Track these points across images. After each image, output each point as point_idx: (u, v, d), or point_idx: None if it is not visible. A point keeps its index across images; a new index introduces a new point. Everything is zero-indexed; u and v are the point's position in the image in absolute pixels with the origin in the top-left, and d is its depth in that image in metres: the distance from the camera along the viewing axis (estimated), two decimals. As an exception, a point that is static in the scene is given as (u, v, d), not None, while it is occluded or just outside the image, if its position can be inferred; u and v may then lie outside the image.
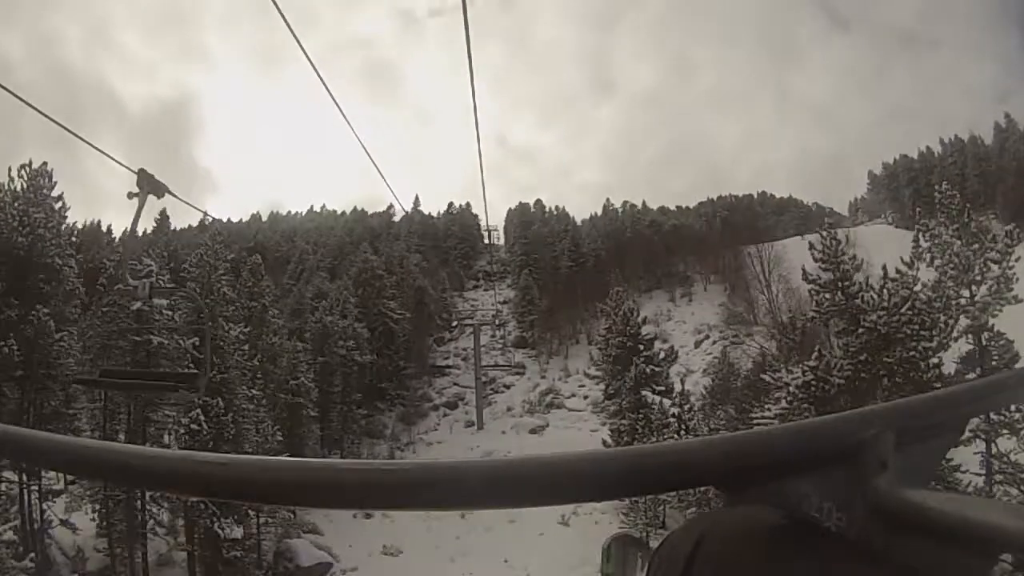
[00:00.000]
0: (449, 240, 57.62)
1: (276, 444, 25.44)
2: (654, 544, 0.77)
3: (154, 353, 24.50)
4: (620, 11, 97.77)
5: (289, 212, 63.04)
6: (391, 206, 58.17)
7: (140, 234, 57.92)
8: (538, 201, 60.65)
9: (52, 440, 0.57)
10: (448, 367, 46.28)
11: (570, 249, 51.85)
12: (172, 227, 56.45)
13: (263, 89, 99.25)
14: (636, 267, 50.46)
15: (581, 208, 74.34)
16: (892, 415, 0.53)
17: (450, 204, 61.07)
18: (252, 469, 0.51)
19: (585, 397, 41.86)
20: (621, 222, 56.73)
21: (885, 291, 17.62)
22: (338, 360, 34.94)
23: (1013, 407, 16.16)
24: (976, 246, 19.38)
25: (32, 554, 20.99)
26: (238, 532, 22.42)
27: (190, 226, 57.61)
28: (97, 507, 24.21)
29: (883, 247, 38.99)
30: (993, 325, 19.24)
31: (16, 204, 25.23)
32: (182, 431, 22.51)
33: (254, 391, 25.22)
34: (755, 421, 16.85)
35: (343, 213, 61.29)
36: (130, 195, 7.67)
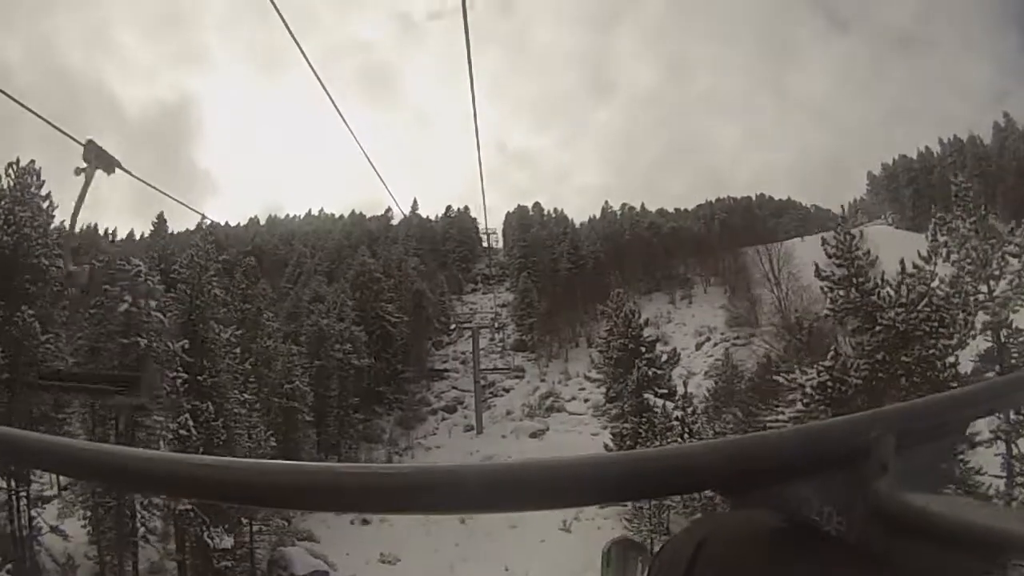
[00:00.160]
0: (448, 243, 56.59)
1: (269, 450, 24.35)
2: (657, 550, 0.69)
3: (144, 356, 23.43)
4: (618, 13, 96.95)
5: (287, 215, 62.02)
6: (389, 209, 57.22)
7: (138, 237, 56.88)
8: (536, 204, 59.76)
9: (51, 442, 0.56)
10: (447, 371, 45.18)
11: (569, 252, 50.82)
12: (170, 231, 55.38)
13: (262, 92, 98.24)
14: (635, 269, 49.45)
15: (580, 211, 73.59)
16: (893, 418, 0.53)
17: (448, 207, 60.14)
18: (250, 472, 0.51)
19: (586, 400, 40.77)
20: (620, 224, 55.75)
21: (904, 287, 16.62)
22: (335, 364, 33.85)
23: None
24: (994, 240, 18.38)
25: (9, 565, 19.86)
26: (228, 541, 21.30)
27: (187, 230, 56.68)
28: (88, 514, 23.28)
29: (883, 248, 38.28)
30: (1012, 321, 18.24)
31: (1, 202, 24.19)
32: (170, 436, 21.43)
33: (246, 395, 24.08)
34: (768, 424, 15.76)
35: (341, 216, 60.35)
36: (77, 171, 6.90)
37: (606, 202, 59.05)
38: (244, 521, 23.93)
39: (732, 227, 56.70)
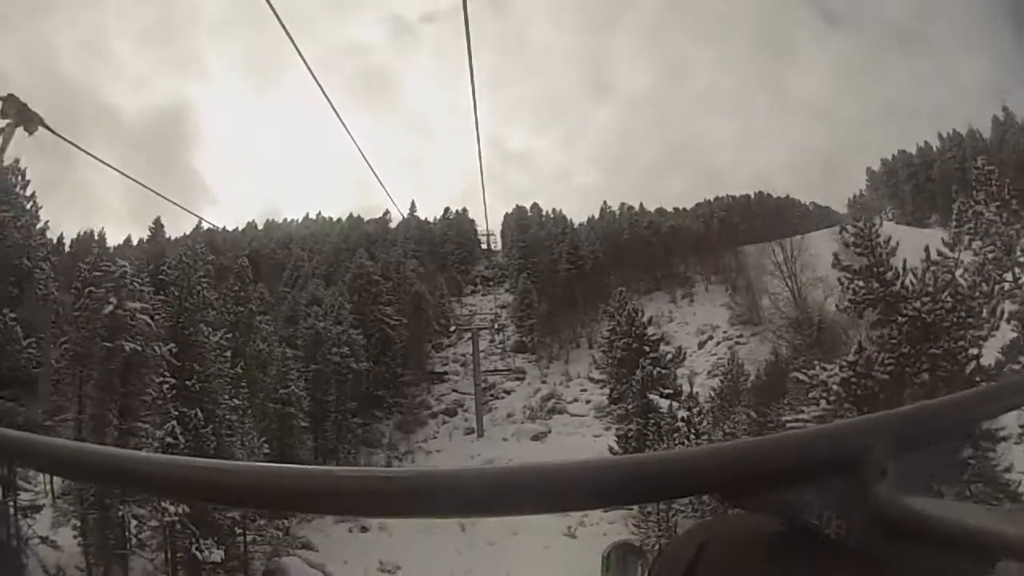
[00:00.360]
0: (446, 245, 55.28)
1: (263, 457, 22.91)
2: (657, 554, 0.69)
3: (134, 361, 22.11)
4: (614, 14, 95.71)
5: (285, 220, 60.66)
6: (387, 212, 55.92)
7: (135, 243, 55.61)
8: (535, 205, 58.43)
9: (52, 444, 0.56)
10: (446, 373, 43.82)
11: (568, 252, 49.49)
12: (168, 236, 54.03)
13: (258, 98, 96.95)
14: (635, 269, 48.08)
15: (578, 212, 72.15)
16: (892, 423, 0.53)
17: (446, 209, 58.81)
18: (251, 475, 0.50)
19: (588, 402, 39.47)
20: (619, 224, 54.48)
21: (929, 275, 15.35)
22: (332, 368, 32.49)
23: None
24: (1019, 226, 17.10)
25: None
26: (218, 555, 19.92)
27: (185, 234, 55.49)
28: (77, 524, 22.03)
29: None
30: (1040, 312, 16.94)
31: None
32: (156, 445, 20.09)
33: (237, 401, 22.72)
34: (789, 425, 14.46)
35: (339, 220, 58.95)
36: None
37: (604, 202, 57.79)
38: (238, 531, 22.65)
39: (731, 225, 55.52)
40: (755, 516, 0.53)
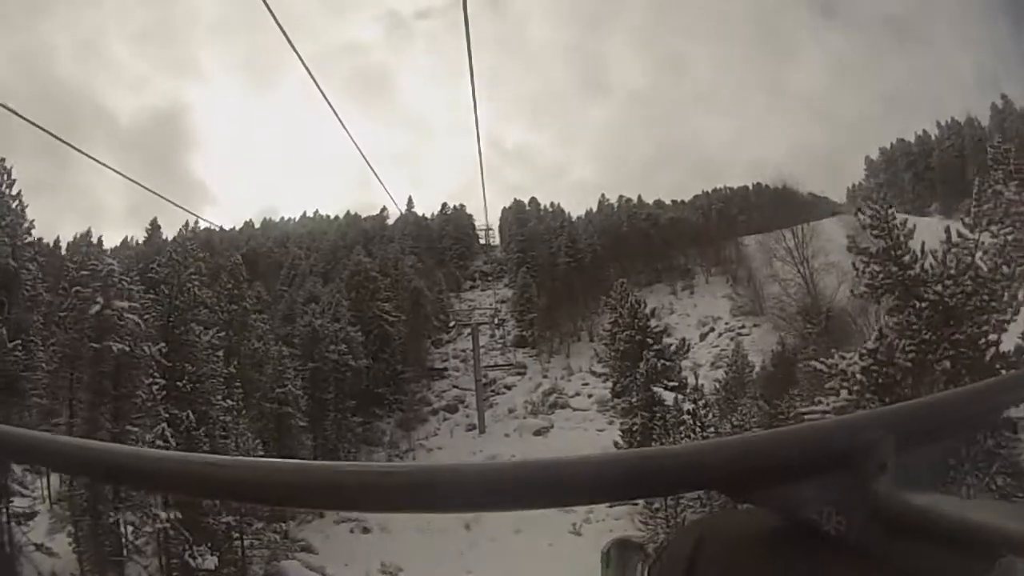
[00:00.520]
0: (444, 241, 54.21)
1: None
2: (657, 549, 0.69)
3: (123, 363, 21.11)
4: (610, 11, 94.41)
5: (282, 218, 59.54)
6: (384, 209, 54.82)
7: (133, 244, 54.58)
8: (533, 199, 57.34)
9: (54, 441, 0.56)
10: (447, 369, 42.84)
11: (567, 245, 48.47)
12: (164, 236, 52.95)
13: (254, 98, 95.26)
14: (634, 261, 47.08)
15: (576, 206, 71.14)
16: (892, 418, 0.53)
17: (444, 205, 57.72)
18: (252, 470, 0.50)
19: (590, 396, 38.54)
20: (617, 217, 53.44)
21: (951, 256, 14.40)
22: (330, 366, 31.49)
23: None
24: (1040, 205, 16.15)
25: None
26: (212, 562, 18.96)
27: (182, 234, 54.46)
28: (70, 530, 21.14)
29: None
30: (1063, 295, 15.96)
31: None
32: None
33: (230, 401, 21.71)
34: (806, 417, 13.51)
35: (336, 218, 57.82)
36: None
37: (603, 195, 56.71)
38: (235, 536, 21.71)
39: (730, 217, 54.58)
40: (755, 511, 0.53)
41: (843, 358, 14.05)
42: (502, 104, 78.96)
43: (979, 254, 15.71)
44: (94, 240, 49.77)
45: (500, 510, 0.50)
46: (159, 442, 18.81)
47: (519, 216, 54.56)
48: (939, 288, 14.54)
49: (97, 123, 70.30)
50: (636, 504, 23.91)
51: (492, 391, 40.44)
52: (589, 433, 35.04)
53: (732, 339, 38.79)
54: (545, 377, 41.56)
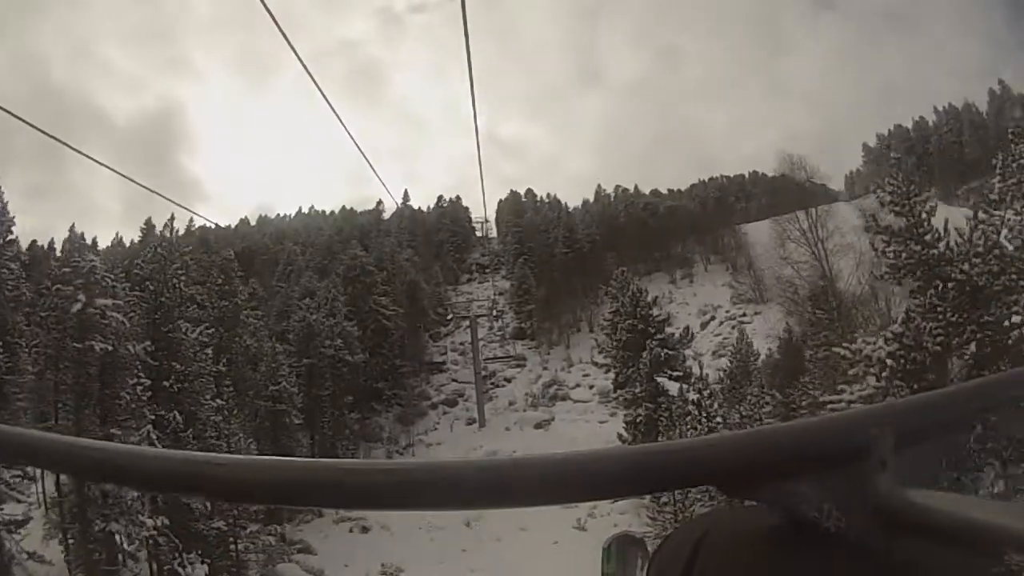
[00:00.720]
0: (441, 234, 52.99)
1: (252, 459, 20.87)
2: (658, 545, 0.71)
3: (107, 363, 19.92)
4: (605, 1, 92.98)
5: (278, 215, 58.35)
6: (380, 202, 53.66)
7: (127, 244, 53.33)
8: (529, 190, 56.22)
9: (53, 440, 0.55)
10: (445, 363, 41.68)
11: (564, 236, 47.29)
12: (166, 238, 51.62)
13: (249, 96, 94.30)
14: (633, 251, 45.94)
15: (573, 197, 70.00)
16: (893, 415, 0.52)
17: (440, 197, 56.51)
18: (251, 469, 0.49)
19: (591, 387, 37.41)
20: (614, 206, 52.33)
21: (978, 234, 13.28)
22: (326, 361, 30.26)
23: None
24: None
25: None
26: (202, 570, 17.81)
27: (178, 233, 53.19)
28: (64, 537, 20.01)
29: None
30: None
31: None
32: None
33: (220, 401, 20.52)
34: (831, 406, 12.40)
35: (332, 213, 56.70)
36: None
37: (599, 185, 55.64)
38: (230, 540, 20.59)
39: (727, 205, 53.60)
40: (755, 508, 0.51)
41: (866, 343, 12.95)
42: (497, 97, 77.79)
43: (1004, 232, 14.60)
44: (81, 237, 48.86)
45: (501, 507, 0.48)
46: (144, 444, 17.65)
47: (516, 207, 53.38)
48: (965, 267, 13.43)
49: (93, 124, 68.96)
50: (642, 498, 22.85)
51: (492, 384, 39.30)
52: (591, 425, 33.96)
53: (734, 327, 37.74)
54: (545, 369, 40.45)
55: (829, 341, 17.28)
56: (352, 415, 31.45)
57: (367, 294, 37.79)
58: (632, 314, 28.18)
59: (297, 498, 0.54)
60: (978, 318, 13.35)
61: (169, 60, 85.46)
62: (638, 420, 25.53)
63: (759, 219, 50.09)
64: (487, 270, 50.86)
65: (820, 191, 52.42)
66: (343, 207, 56.99)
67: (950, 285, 13.47)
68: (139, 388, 18.37)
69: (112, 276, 20.33)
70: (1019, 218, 15.43)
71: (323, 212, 57.42)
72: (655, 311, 29.32)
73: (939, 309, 13.45)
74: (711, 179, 57.58)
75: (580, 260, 45.62)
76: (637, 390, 26.35)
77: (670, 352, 27.03)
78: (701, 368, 26.24)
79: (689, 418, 22.64)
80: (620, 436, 26.35)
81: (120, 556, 19.85)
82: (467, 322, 40.90)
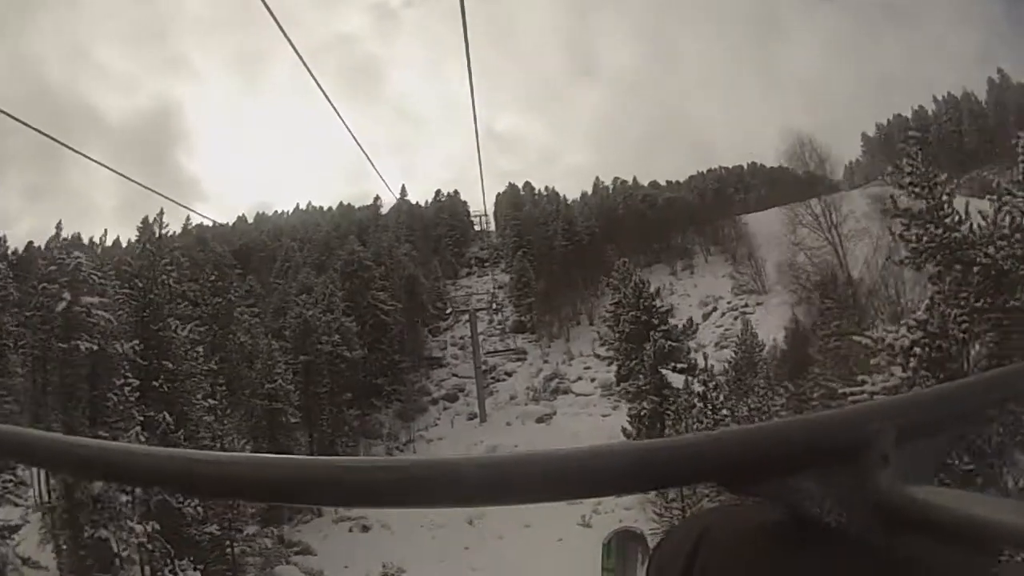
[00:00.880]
0: (439, 228, 52.04)
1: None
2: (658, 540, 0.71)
3: (94, 363, 19.01)
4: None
5: (275, 212, 57.45)
6: (378, 198, 52.68)
7: (124, 244, 52.45)
8: (527, 183, 55.25)
9: (53, 440, 0.55)
10: (445, 358, 40.80)
11: (563, 228, 46.30)
12: (156, 235, 50.69)
13: (245, 95, 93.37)
14: (632, 242, 45.01)
15: (571, 189, 69.10)
16: (895, 410, 0.51)
17: (438, 192, 55.58)
18: (250, 467, 0.49)
19: (592, 380, 36.54)
20: (613, 199, 51.38)
21: (1004, 215, 12.43)
22: (324, 358, 29.36)
23: None
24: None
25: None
26: (194, 576, 16.96)
27: (174, 233, 52.24)
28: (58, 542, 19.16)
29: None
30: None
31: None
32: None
33: (212, 401, 19.62)
34: (852, 398, 11.56)
35: (330, 209, 55.75)
36: None
37: (597, 178, 54.71)
38: (226, 544, 19.72)
39: (726, 196, 52.72)
40: (756, 504, 0.51)
41: (887, 331, 12.12)
42: (494, 91, 76.81)
43: (1028, 213, 13.69)
44: (78, 237, 47.88)
45: (501, 504, 0.48)
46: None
47: (514, 201, 52.41)
48: (990, 251, 12.57)
49: (90, 125, 67.96)
50: (647, 493, 22.05)
51: (492, 378, 38.41)
52: (594, 419, 33.10)
53: (736, 318, 36.91)
54: (546, 362, 39.57)
55: (842, 330, 16.43)
56: (351, 412, 30.58)
57: (365, 289, 36.90)
58: (635, 305, 27.30)
59: (296, 496, 0.53)
60: (1003, 304, 12.51)
61: (165, 59, 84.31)
62: (643, 414, 24.68)
63: (758, 210, 49.28)
64: (486, 264, 49.95)
65: (820, 181, 51.73)
66: (340, 203, 56.12)
67: (975, 269, 12.61)
68: (127, 388, 17.46)
69: (99, 273, 19.42)
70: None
71: (321, 208, 56.54)
72: (658, 302, 28.42)
73: (962, 295, 12.61)
74: (709, 171, 56.71)
75: (579, 252, 44.69)
76: (641, 383, 25.51)
77: (674, 344, 26.17)
78: (706, 360, 25.39)
79: (695, 411, 21.82)
80: (624, 430, 25.52)
81: (116, 561, 19.03)
82: (466, 316, 40.02)
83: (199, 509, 17.48)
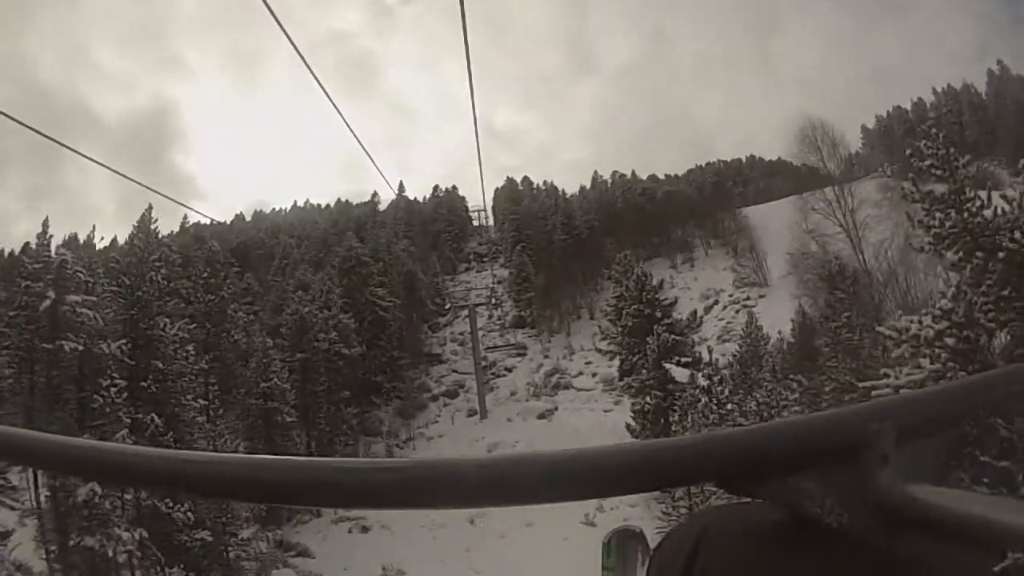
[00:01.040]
0: (437, 224, 51.14)
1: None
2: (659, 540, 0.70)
3: (80, 363, 18.15)
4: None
5: (273, 210, 56.53)
6: (376, 194, 51.81)
7: (120, 243, 51.52)
8: (525, 178, 54.35)
9: (44, 439, 0.54)
10: (445, 354, 39.94)
11: (563, 223, 45.44)
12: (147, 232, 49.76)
13: (242, 93, 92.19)
14: (632, 236, 44.16)
15: (569, 184, 68.20)
16: (894, 410, 0.50)
17: (436, 187, 54.67)
18: (249, 468, 0.48)
19: (594, 375, 35.69)
20: (612, 192, 50.50)
21: (1026, 198, 11.60)
22: (321, 355, 28.51)
23: None
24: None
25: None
26: (184, 585, 16.10)
27: (172, 232, 51.35)
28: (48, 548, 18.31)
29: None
30: None
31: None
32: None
33: (203, 401, 18.76)
34: (876, 392, 10.74)
35: (327, 206, 54.87)
36: None
37: (595, 171, 53.80)
38: (222, 549, 18.88)
39: (725, 189, 51.87)
40: (756, 504, 0.50)
41: (911, 322, 11.33)
42: (491, 86, 75.84)
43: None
44: (75, 238, 46.94)
45: (501, 504, 0.47)
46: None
47: (512, 195, 51.49)
48: (1017, 235, 11.73)
49: (87, 125, 67.00)
50: (650, 492, 21.23)
51: (492, 374, 37.53)
52: (595, 414, 32.21)
53: (738, 311, 36.12)
54: (546, 357, 38.71)
55: (858, 321, 15.61)
56: (350, 409, 29.71)
57: (363, 286, 36.04)
58: (638, 299, 26.45)
59: (294, 497, 0.52)
60: (1030, 292, 11.68)
61: (160, 58, 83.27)
62: (646, 409, 23.85)
63: (757, 203, 48.44)
64: (485, 259, 49.05)
65: (817, 174, 50.88)
66: (338, 200, 55.23)
67: (1000, 255, 11.78)
68: (113, 389, 16.59)
69: (85, 271, 18.54)
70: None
71: (318, 205, 55.65)
72: (661, 295, 27.58)
73: (988, 282, 11.78)
74: (708, 164, 55.89)
75: (579, 246, 43.85)
76: (644, 377, 24.68)
77: (677, 337, 25.32)
78: (710, 353, 24.57)
79: (700, 405, 21.01)
80: (628, 426, 24.69)
81: (110, 568, 18.19)
82: (466, 312, 39.16)
83: (190, 514, 16.64)
